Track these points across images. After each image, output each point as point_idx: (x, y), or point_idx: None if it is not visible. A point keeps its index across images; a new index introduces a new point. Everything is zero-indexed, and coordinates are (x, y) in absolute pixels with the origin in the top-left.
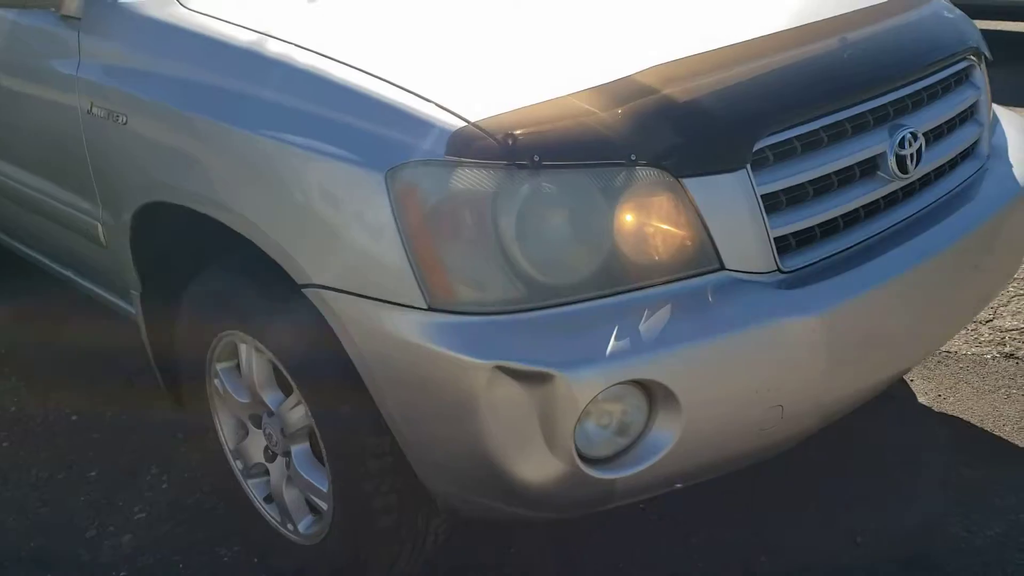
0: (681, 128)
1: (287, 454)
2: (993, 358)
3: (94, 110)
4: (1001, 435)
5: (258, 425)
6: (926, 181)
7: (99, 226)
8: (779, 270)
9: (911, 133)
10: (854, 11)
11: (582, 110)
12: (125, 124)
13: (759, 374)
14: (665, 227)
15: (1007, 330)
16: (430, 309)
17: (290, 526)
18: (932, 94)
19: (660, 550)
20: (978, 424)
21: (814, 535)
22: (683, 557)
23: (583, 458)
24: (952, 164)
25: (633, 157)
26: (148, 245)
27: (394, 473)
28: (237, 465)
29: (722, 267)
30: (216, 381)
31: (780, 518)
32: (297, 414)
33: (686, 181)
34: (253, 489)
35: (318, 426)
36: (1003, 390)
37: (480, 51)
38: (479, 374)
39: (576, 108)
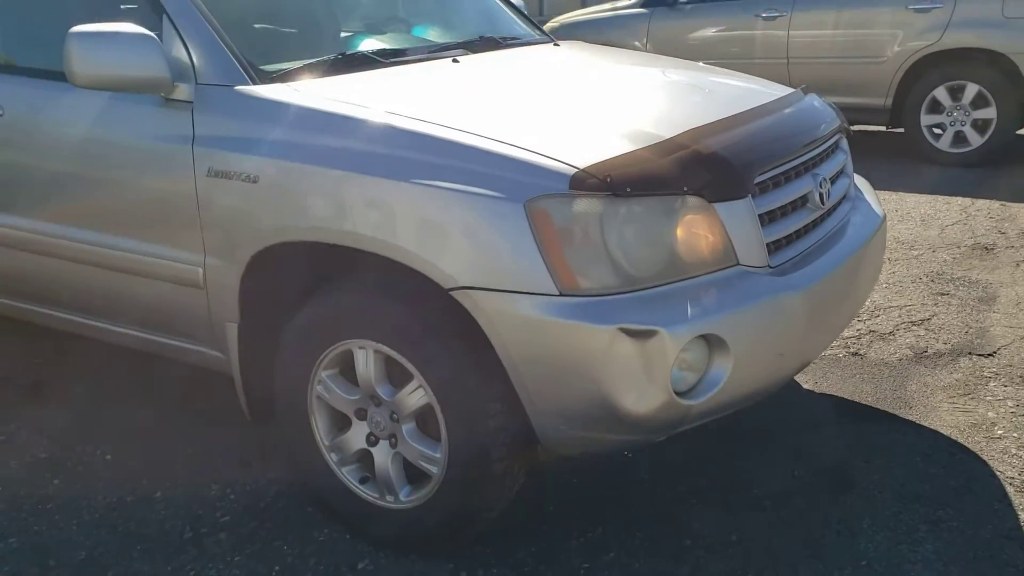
0: (712, 170)
1: (392, 436)
2: (844, 356)
3: (212, 173)
4: (865, 403)
5: (362, 417)
6: (829, 212)
7: (200, 271)
8: (769, 266)
9: (824, 178)
10: (777, 99)
11: (650, 158)
12: (255, 183)
13: (769, 330)
14: (705, 236)
15: (847, 337)
16: (560, 295)
17: (390, 497)
18: (828, 153)
19: (657, 492)
20: (848, 398)
21: (766, 475)
22: (675, 499)
23: (674, 391)
24: (839, 203)
25: (685, 189)
26: (259, 281)
27: (504, 429)
28: (332, 457)
29: (738, 263)
30: (319, 387)
31: (740, 466)
32: (415, 398)
33: (716, 205)
34: (348, 475)
35: (440, 401)
36: (858, 376)
37: (559, 121)
38: (603, 335)
39: (646, 157)
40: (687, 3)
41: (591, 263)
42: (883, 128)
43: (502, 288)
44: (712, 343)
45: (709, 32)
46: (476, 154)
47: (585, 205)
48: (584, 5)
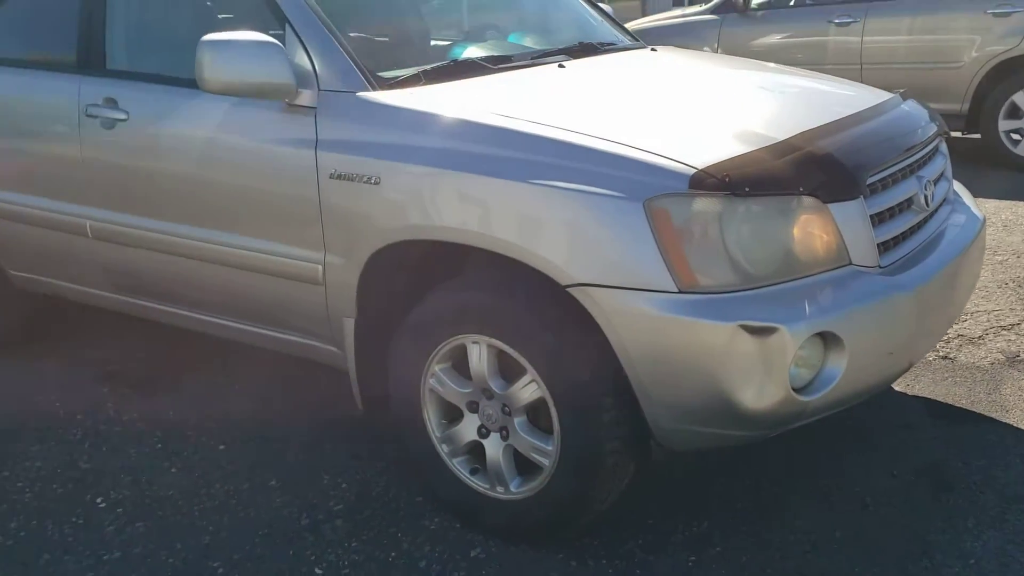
0: (826, 171)
1: (503, 428)
2: (935, 360)
3: (335, 176)
4: (958, 405)
5: (474, 410)
6: (931, 215)
7: (319, 268)
8: (879, 266)
9: (928, 180)
10: (880, 103)
11: (766, 159)
12: (377, 184)
13: (882, 329)
14: (820, 235)
15: None
16: (680, 292)
17: (500, 488)
18: (930, 156)
19: (759, 489)
20: (940, 400)
21: (865, 474)
22: (777, 495)
23: (792, 388)
24: (939, 206)
25: (801, 189)
26: (377, 277)
27: (618, 424)
28: (443, 449)
29: (850, 263)
30: (432, 380)
31: (839, 465)
32: (528, 391)
33: (831, 205)
34: (459, 466)
35: (554, 395)
36: (949, 379)
37: (673, 123)
38: (723, 332)
39: (762, 158)
40: (758, 10)
41: (710, 261)
42: (958, 134)
43: (620, 285)
44: (828, 341)
45: (781, 39)
46: (595, 155)
47: (704, 204)
48: (644, 12)
